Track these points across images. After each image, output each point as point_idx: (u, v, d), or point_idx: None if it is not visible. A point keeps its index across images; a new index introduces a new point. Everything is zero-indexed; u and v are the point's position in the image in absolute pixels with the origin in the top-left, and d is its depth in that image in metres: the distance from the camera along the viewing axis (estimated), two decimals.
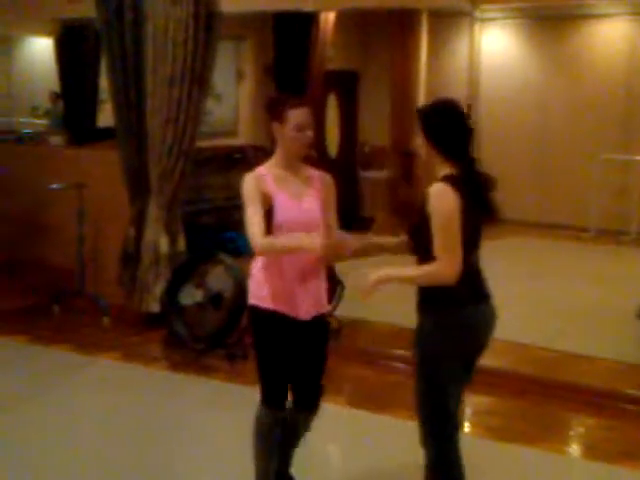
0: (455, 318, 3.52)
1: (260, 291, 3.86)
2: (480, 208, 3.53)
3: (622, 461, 4.86)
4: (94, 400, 5.80)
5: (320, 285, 3.94)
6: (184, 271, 6.88)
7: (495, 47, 12.57)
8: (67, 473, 4.70)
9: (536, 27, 12.60)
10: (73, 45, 10.25)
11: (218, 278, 6.65)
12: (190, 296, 6.72)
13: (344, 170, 12.46)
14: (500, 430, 5.26)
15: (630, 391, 5.83)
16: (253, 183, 3.76)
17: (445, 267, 3.38)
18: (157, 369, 6.45)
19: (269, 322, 3.86)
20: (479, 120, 6.31)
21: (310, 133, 3.81)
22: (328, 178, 3.99)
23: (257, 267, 3.89)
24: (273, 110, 3.83)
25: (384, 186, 13.18)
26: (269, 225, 3.74)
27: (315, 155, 3.98)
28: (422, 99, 12.86)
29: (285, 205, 3.77)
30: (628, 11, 11.80)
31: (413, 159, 13.03)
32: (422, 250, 3.50)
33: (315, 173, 3.96)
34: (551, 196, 12.29)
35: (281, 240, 3.72)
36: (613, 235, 11.34)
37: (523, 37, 12.79)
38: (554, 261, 10.31)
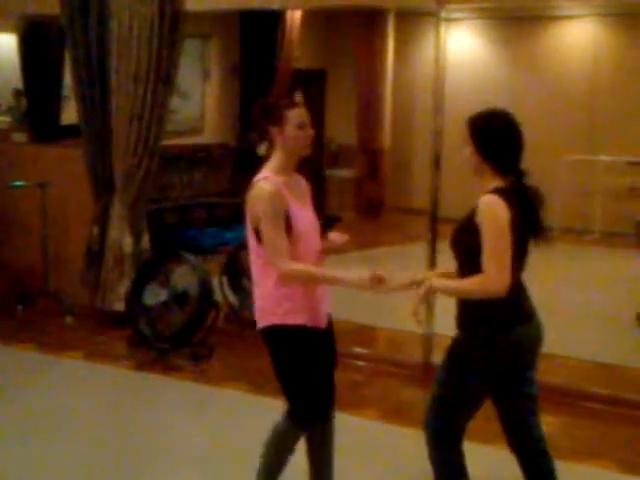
0: (498, 339, 3.46)
1: (280, 308, 3.72)
2: (528, 225, 3.46)
3: (587, 460, 4.89)
4: (57, 400, 5.75)
5: (327, 287, 3.91)
6: (148, 270, 6.84)
7: (461, 47, 12.64)
8: (28, 475, 4.65)
9: (502, 27, 12.69)
10: (37, 42, 10.14)
11: (182, 277, 6.62)
12: (154, 295, 6.68)
13: (310, 168, 12.47)
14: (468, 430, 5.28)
15: (595, 390, 5.88)
16: (277, 202, 3.61)
17: (494, 280, 3.29)
18: (121, 368, 6.40)
19: (299, 338, 3.75)
20: (444, 120, 6.33)
21: (311, 131, 3.77)
22: (305, 181, 3.97)
23: (271, 285, 3.71)
24: (270, 115, 3.75)
25: (351, 184, 13.22)
26: (288, 236, 3.66)
27: None
28: (388, 98, 12.92)
29: (299, 214, 3.72)
30: (593, 12, 11.91)
31: (379, 157, 13.09)
32: (465, 259, 3.46)
33: (299, 176, 3.93)
34: None
35: (320, 271, 3.68)
36: (577, 234, 11.45)
37: (489, 37, 12.88)
38: None
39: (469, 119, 3.50)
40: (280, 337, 3.76)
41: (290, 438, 3.90)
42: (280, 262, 3.61)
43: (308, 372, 3.79)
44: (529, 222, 3.47)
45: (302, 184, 3.93)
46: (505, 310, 3.43)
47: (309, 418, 3.86)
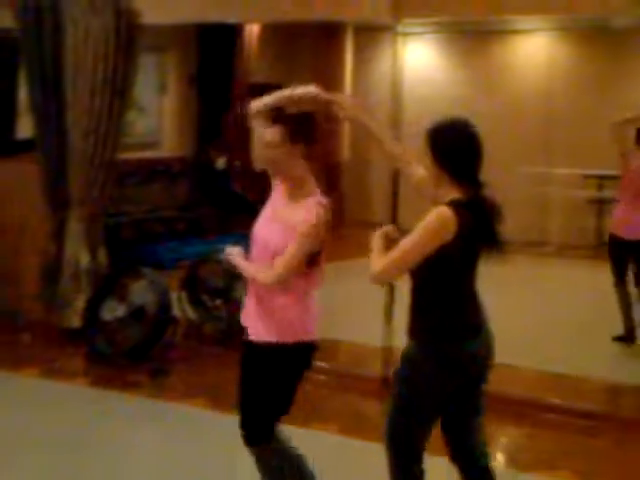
0: (456, 353, 3.41)
1: (298, 325, 3.68)
2: (482, 237, 3.40)
3: (542, 470, 4.91)
4: (12, 418, 5.65)
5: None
6: (106, 285, 6.77)
7: (418, 61, 12.69)
8: None
9: (458, 42, 12.80)
10: None
11: (140, 292, 6.57)
12: (112, 310, 6.62)
13: (268, 183, 12.45)
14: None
15: (550, 400, 5.92)
16: None
17: (384, 267, 3.26)
18: (78, 385, 6.32)
19: (303, 355, 3.73)
20: (402, 132, 6.35)
21: (269, 152, 3.89)
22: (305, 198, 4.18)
23: (285, 303, 3.67)
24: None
25: None
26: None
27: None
28: None
29: (259, 220, 3.90)
30: (547, 27, 12.07)
31: (337, 170, 13.10)
32: (421, 281, 3.41)
33: (294, 189, 4.15)
34: None
35: None
36: (534, 247, 11.53)
37: (446, 51, 12.98)
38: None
39: (426, 129, 3.43)
40: (283, 355, 3.67)
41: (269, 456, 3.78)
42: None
43: (280, 393, 3.71)
44: (484, 234, 3.41)
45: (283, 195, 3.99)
46: (459, 323, 3.40)
47: (256, 438, 3.76)
